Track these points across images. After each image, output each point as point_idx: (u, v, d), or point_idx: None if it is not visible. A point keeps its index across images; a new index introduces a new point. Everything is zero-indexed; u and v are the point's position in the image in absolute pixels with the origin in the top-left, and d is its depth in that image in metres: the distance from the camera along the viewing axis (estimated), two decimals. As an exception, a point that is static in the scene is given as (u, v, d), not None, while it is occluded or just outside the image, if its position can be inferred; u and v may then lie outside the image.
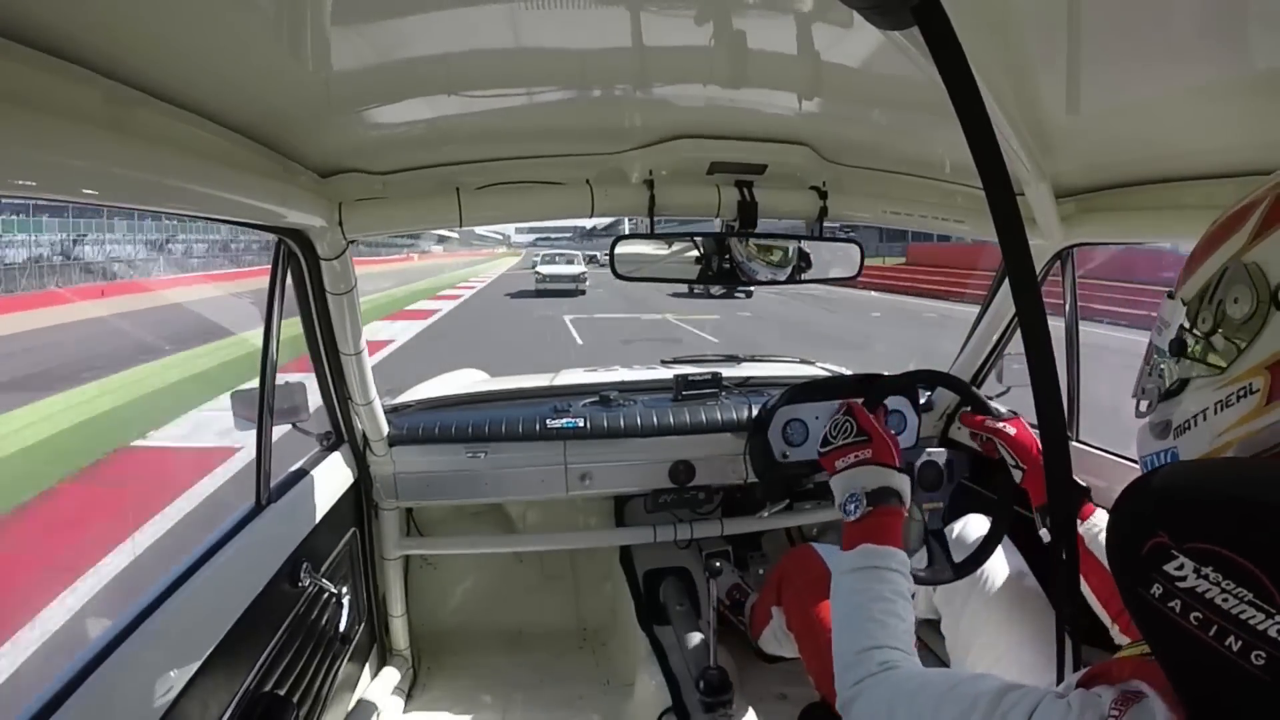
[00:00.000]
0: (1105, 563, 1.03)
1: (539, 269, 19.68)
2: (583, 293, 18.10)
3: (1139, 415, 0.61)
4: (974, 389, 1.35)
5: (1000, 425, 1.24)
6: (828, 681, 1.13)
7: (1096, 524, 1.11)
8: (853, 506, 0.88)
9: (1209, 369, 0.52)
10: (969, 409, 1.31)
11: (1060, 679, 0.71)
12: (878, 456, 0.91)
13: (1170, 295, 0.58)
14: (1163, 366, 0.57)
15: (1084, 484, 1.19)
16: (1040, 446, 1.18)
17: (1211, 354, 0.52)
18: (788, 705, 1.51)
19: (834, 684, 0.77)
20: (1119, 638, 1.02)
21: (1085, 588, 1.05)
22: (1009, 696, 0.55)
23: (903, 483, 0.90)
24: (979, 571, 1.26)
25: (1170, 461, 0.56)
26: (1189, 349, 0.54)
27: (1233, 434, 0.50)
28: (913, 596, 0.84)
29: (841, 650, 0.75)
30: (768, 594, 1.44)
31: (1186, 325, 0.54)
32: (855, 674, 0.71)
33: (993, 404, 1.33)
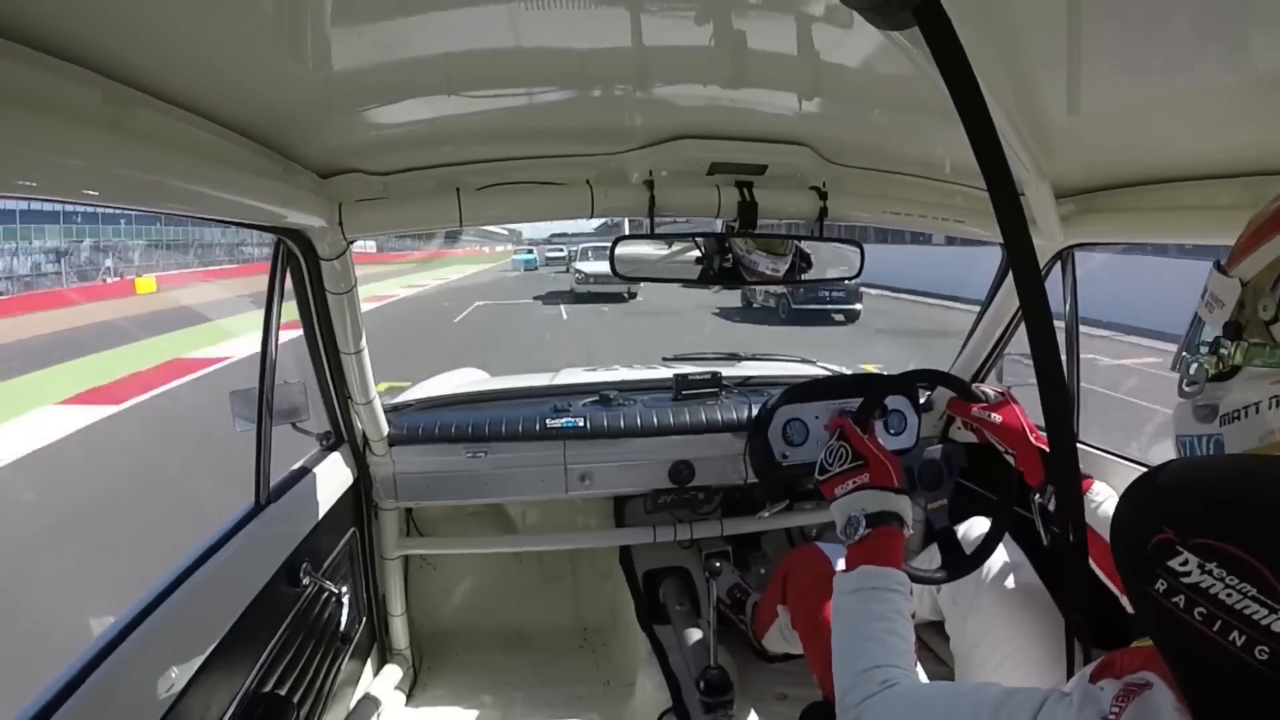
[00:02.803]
0: (1106, 535, 1.03)
1: (578, 265, 16.04)
2: (634, 295, 14.96)
3: (1182, 394, 0.58)
4: (966, 382, 1.35)
5: (987, 415, 1.24)
6: (831, 680, 1.13)
7: (1095, 498, 1.11)
8: (853, 529, 0.89)
9: (1266, 360, 0.49)
10: (957, 397, 1.32)
11: (1069, 679, 0.71)
12: (876, 480, 0.92)
13: (1219, 267, 0.55)
14: (1211, 345, 0.54)
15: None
16: (1029, 428, 1.19)
17: (1271, 345, 0.49)
18: (788, 705, 1.51)
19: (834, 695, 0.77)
20: (1130, 608, 1.02)
21: (1091, 563, 1.05)
22: (1012, 700, 0.55)
23: (903, 504, 0.91)
24: (982, 571, 1.26)
25: (1213, 448, 0.54)
26: (1245, 335, 0.51)
27: None
28: (912, 609, 0.84)
29: (843, 671, 0.76)
30: (773, 592, 1.44)
31: (1244, 309, 0.51)
32: (857, 694, 0.71)
33: (982, 388, 1.33)
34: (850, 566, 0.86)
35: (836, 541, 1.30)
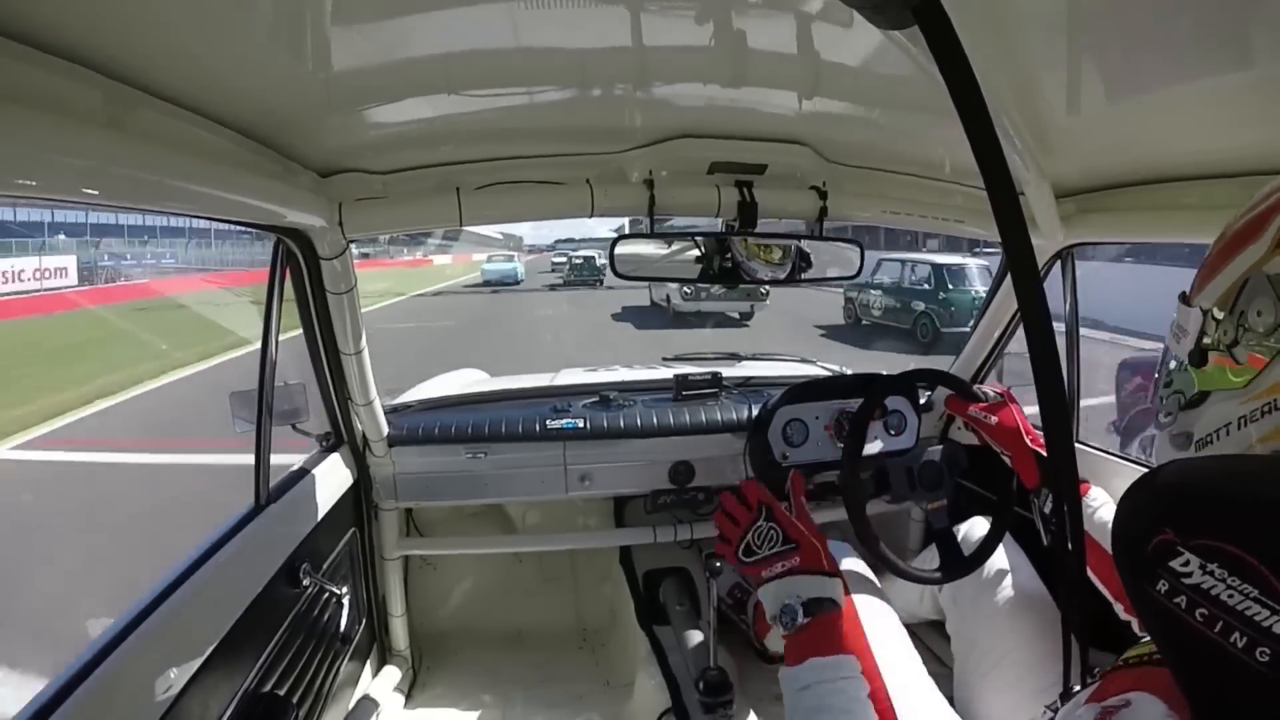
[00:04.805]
0: (1103, 542, 1.04)
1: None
2: (749, 318, 11.46)
3: (1158, 425, 0.59)
4: (966, 382, 1.35)
5: (983, 416, 1.25)
6: None
7: (1091, 504, 1.11)
8: (789, 620, 0.86)
9: (1232, 383, 0.51)
10: (955, 395, 1.32)
11: (1066, 681, 0.71)
12: (807, 563, 0.89)
13: (1184, 298, 0.56)
14: (1181, 375, 0.56)
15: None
16: (1025, 429, 1.20)
17: (1234, 367, 0.50)
18: None
19: None
20: (1124, 615, 1.03)
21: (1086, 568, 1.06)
22: None
23: (836, 588, 0.88)
24: (982, 572, 1.26)
25: None
26: (1210, 361, 0.52)
27: (1259, 450, 0.49)
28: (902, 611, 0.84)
29: None
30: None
31: (1206, 336, 0.53)
32: None
33: (981, 388, 1.33)
34: (795, 659, 0.83)
35: (838, 541, 1.30)
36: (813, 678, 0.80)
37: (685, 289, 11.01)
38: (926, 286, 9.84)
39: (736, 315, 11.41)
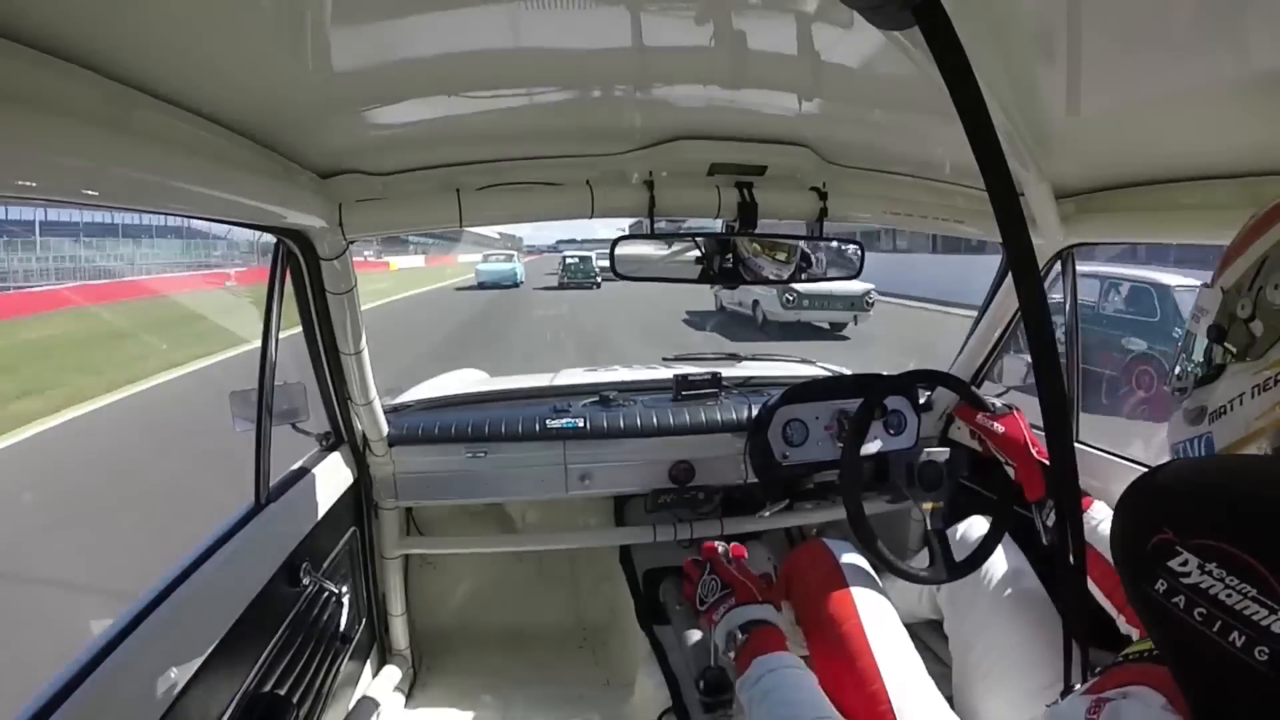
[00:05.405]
0: (1106, 555, 1.05)
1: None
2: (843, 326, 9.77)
3: (1174, 402, 0.62)
4: (972, 387, 1.35)
5: (989, 424, 1.25)
6: (831, 677, 1.13)
7: (1094, 516, 1.11)
8: (733, 643, 1.03)
9: (1245, 355, 0.53)
10: (965, 403, 1.32)
11: (1067, 680, 0.72)
12: (741, 598, 1.07)
13: (1207, 285, 0.59)
14: (1199, 353, 0.58)
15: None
16: (1030, 441, 1.20)
17: (1249, 340, 0.53)
18: None
19: (841, 680, 0.78)
20: (1125, 628, 1.03)
21: (1088, 581, 1.06)
22: None
23: (768, 611, 1.06)
24: (982, 571, 1.26)
25: (1204, 448, 0.57)
26: (1226, 335, 0.55)
27: (1266, 419, 0.51)
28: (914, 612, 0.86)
29: None
30: (777, 589, 1.44)
31: (1225, 312, 0.56)
32: None
33: (989, 399, 1.33)
34: (743, 667, 0.97)
35: (839, 538, 1.31)
36: (760, 671, 0.93)
37: (788, 295, 9.24)
38: (1145, 317, 5.97)
39: (826, 325, 9.82)
